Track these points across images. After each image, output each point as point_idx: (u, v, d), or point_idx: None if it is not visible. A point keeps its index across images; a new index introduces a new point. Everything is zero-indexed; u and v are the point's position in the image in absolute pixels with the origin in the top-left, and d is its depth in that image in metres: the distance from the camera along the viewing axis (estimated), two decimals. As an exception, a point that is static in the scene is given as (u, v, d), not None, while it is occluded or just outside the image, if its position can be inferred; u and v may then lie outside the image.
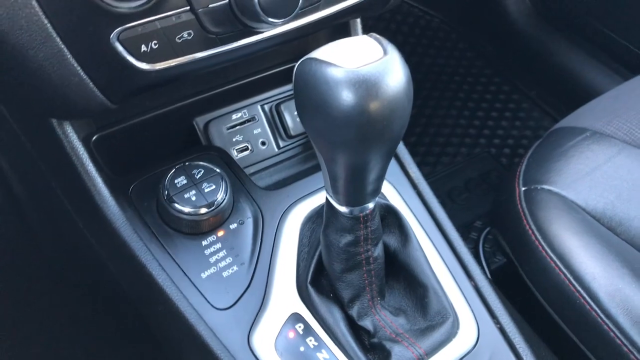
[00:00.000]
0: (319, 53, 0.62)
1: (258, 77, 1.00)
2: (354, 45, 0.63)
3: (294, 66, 1.07)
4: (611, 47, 1.83)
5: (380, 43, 0.63)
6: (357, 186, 0.69)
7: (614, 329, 0.77)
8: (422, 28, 2.19)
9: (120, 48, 0.68)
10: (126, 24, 0.67)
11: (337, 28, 0.98)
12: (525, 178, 0.95)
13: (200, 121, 0.97)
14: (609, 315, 0.78)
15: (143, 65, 0.70)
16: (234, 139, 0.98)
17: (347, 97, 0.59)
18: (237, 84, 0.98)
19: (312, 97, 0.62)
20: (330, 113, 0.61)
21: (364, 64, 0.60)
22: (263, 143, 1.00)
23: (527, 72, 2.07)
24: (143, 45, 0.69)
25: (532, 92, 2.05)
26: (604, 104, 1.08)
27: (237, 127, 0.99)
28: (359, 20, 0.99)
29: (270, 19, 0.73)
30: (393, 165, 0.96)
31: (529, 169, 0.97)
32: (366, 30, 2.26)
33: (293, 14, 0.75)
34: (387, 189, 0.93)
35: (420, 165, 1.90)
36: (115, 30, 0.67)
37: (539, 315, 0.87)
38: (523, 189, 0.94)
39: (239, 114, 0.99)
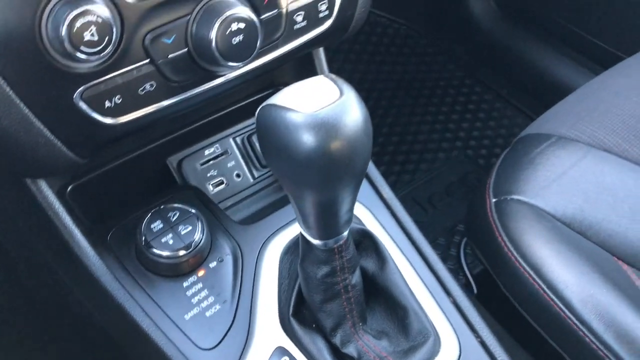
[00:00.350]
0: (278, 99, 0.64)
1: (228, 110, 1.01)
2: (311, 88, 0.65)
3: (262, 97, 1.08)
4: (578, 42, 1.86)
5: (336, 83, 0.65)
6: (328, 221, 0.71)
7: (589, 334, 0.79)
8: (391, 37, 2.22)
9: (84, 107, 0.69)
10: (88, 82, 0.68)
11: (300, 57, 1.00)
12: (495, 189, 0.97)
13: (173, 160, 0.98)
14: (583, 321, 0.80)
15: (108, 120, 0.72)
16: (208, 175, 0.99)
17: (308, 140, 0.61)
18: (207, 120, 0.99)
19: (274, 142, 0.63)
20: (293, 157, 0.62)
21: (321, 106, 0.62)
22: (238, 175, 1.01)
23: (497, 72, 2.11)
24: (107, 101, 0.71)
25: (504, 90, 2.08)
26: (568, 107, 1.11)
27: (211, 162, 1.00)
28: (321, 49, 1.01)
29: (229, 63, 0.74)
30: (366, 187, 0.98)
31: (498, 180, 0.99)
32: (333, 47, 2.27)
33: (252, 56, 0.76)
34: (361, 212, 0.95)
35: (399, 173, 1.94)
36: (78, 90, 0.68)
37: (519, 324, 0.89)
38: (494, 200, 0.96)
39: (212, 149, 1.01)
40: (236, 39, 0.73)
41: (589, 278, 0.83)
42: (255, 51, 0.76)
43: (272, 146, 0.64)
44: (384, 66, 2.17)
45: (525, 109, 2.04)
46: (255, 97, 1.04)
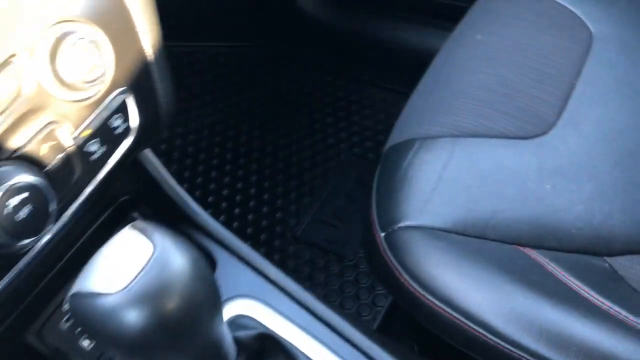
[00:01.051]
0: (83, 283, 0.53)
1: (69, 255, 0.89)
2: (120, 251, 0.55)
3: (105, 220, 0.96)
4: (419, 6, 1.84)
5: (145, 234, 0.55)
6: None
7: (523, 354, 0.74)
8: (236, 63, 2.13)
9: None
10: None
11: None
12: (380, 222, 0.90)
13: (32, 336, 0.86)
14: (512, 342, 0.74)
15: None
16: (77, 331, 0.87)
17: (135, 321, 0.51)
18: (47, 277, 0.86)
19: (101, 334, 0.53)
20: (128, 342, 0.52)
21: (135, 274, 0.52)
22: None
23: (353, 61, 2.06)
24: None
25: (365, 76, 2.04)
26: (420, 103, 1.05)
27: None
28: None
29: (26, 241, 0.63)
30: (248, 275, 0.89)
31: (379, 210, 0.92)
32: (187, 95, 2.11)
33: (52, 218, 0.65)
34: (253, 306, 0.85)
35: (298, 198, 1.85)
36: None
37: (460, 355, 0.83)
38: (382, 234, 0.88)
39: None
40: (22, 214, 0.61)
41: (503, 290, 0.77)
42: (54, 212, 0.65)
43: (100, 337, 0.54)
44: (244, 94, 2.07)
45: (393, 85, 2.01)
46: (96, 225, 0.92)
